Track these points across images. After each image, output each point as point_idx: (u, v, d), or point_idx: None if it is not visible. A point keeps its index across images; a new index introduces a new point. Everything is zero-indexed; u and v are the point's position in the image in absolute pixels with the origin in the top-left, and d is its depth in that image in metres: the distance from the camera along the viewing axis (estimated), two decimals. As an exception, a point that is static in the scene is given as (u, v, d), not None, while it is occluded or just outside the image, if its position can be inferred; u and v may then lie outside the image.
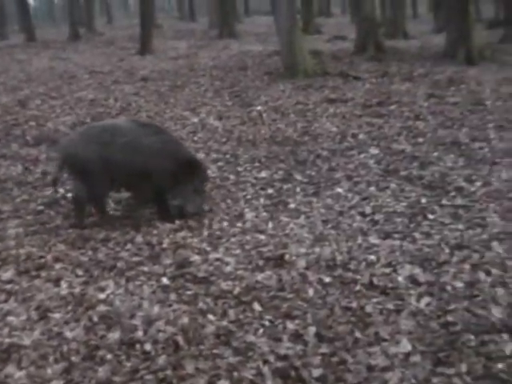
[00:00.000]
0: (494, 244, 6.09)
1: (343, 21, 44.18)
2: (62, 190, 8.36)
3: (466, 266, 5.63)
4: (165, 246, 6.42)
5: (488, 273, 5.52)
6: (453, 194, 7.68)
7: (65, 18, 44.76)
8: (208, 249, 6.25)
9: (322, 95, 14.47)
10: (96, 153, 6.84)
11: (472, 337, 4.51)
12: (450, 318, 4.77)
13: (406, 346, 4.43)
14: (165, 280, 5.64)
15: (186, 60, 22.70)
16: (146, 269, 5.91)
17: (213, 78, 17.90)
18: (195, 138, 10.86)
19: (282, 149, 9.96)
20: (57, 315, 5.14)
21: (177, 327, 4.75)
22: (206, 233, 6.74)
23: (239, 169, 9.04)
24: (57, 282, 5.79)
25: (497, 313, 4.82)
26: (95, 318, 5.00)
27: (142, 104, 14.29)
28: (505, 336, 4.51)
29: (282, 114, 12.68)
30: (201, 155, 9.66)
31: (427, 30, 32.92)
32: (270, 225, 6.83)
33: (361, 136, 10.58)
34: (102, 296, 5.39)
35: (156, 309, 5.08)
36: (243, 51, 24.68)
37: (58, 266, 6.13)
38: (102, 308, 5.16)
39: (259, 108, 13.19)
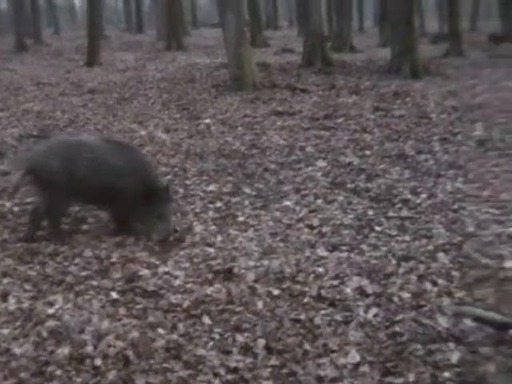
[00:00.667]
0: (440, 255, 6.22)
1: (291, 34, 44.46)
2: (8, 204, 8.27)
3: (413, 277, 5.74)
4: (114, 260, 6.38)
5: (434, 283, 5.63)
6: (399, 205, 7.81)
7: (11, 28, 44.14)
8: (157, 262, 6.24)
9: (270, 108, 14.56)
10: (60, 167, 6.74)
11: (419, 346, 4.59)
12: (397, 329, 4.85)
13: (354, 356, 4.49)
14: (114, 294, 5.61)
15: (134, 72, 22.65)
16: (95, 283, 5.88)
17: (161, 90, 17.90)
18: (143, 151, 10.80)
19: (230, 162, 10.00)
20: (5, 331, 5.08)
21: (126, 341, 4.73)
22: (154, 246, 6.73)
23: (187, 182, 9.04)
24: (4, 297, 5.71)
25: (443, 322, 4.92)
26: (44, 334, 4.94)
27: (89, 116, 14.22)
28: (451, 345, 4.61)
29: (229, 126, 12.73)
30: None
31: (373, 44, 33.29)
32: (219, 238, 6.85)
33: (308, 149, 10.67)
34: (50, 311, 5.33)
35: (105, 323, 5.05)
36: (191, 63, 24.73)
37: (5, 280, 6.05)
38: (51, 323, 5.10)
39: (207, 121, 13.22)
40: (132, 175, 6.82)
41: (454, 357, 4.47)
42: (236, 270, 5.94)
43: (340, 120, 13.06)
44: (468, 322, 4.93)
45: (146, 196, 6.77)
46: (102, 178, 6.77)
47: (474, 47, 30.94)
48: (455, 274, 5.83)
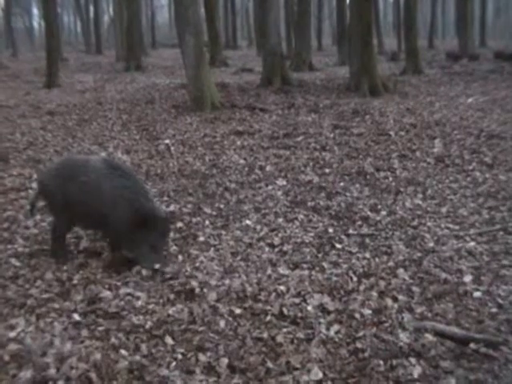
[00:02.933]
0: (400, 271, 6.29)
1: (250, 53, 44.71)
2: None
3: (374, 293, 5.79)
4: (75, 281, 6.33)
5: (395, 299, 5.70)
6: (359, 223, 7.87)
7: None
8: (118, 284, 6.20)
9: (230, 128, 14.60)
10: (59, 187, 6.69)
11: (381, 362, 4.63)
12: (359, 345, 4.89)
13: (317, 373, 4.51)
14: (76, 316, 5.56)
15: (93, 93, 22.54)
16: (56, 305, 5.82)
17: (120, 111, 17.84)
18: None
19: (191, 182, 10.00)
20: (-35, 355, 5.03)
21: (89, 363, 4.70)
22: (116, 268, 6.68)
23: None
24: (-35, 321, 5.67)
25: (404, 337, 4.97)
26: (6, 357, 4.87)
27: (48, 138, 14.10)
28: (412, 360, 4.67)
29: (189, 146, 12.73)
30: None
31: (332, 62, 33.55)
32: (180, 258, 6.83)
33: (268, 168, 10.71)
34: (12, 334, 5.27)
35: (68, 345, 5.00)
36: (150, 84, 24.70)
37: (-35, 304, 6.00)
38: (12, 347, 5.03)
39: (167, 141, 13.21)
40: (122, 202, 6.56)
41: (416, 371, 4.52)
42: (198, 289, 5.92)
43: (299, 139, 13.14)
44: (429, 337, 4.99)
45: (139, 224, 6.47)
46: (93, 203, 6.62)
47: (432, 65, 31.33)
48: (415, 289, 5.90)
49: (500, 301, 5.68)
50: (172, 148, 12.61)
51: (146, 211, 6.53)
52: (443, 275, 6.21)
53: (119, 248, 6.90)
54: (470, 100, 18.81)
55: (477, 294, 5.82)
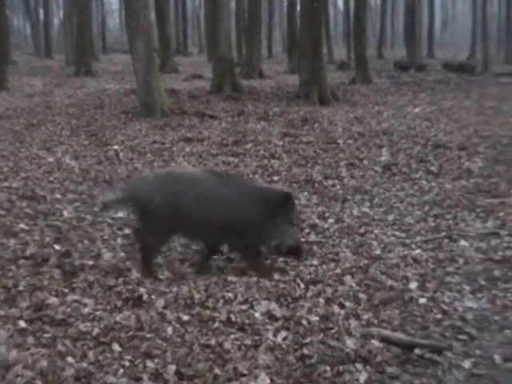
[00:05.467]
0: (347, 278, 6.34)
1: (201, 60, 44.67)
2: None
3: (321, 300, 5.83)
4: (21, 288, 6.23)
5: (342, 306, 5.74)
6: (307, 230, 7.92)
7: None
8: (65, 290, 6.13)
9: (179, 134, 14.59)
10: (165, 201, 6.41)
11: (328, 368, 4.66)
12: (306, 351, 4.91)
13: (264, 380, 4.51)
14: (22, 323, 5.48)
15: (42, 98, 22.33)
16: (2, 312, 5.73)
17: (69, 116, 17.71)
18: (51, 178, 10.63)
19: (140, 188, 9.94)
20: None
21: (35, 371, 4.62)
22: (63, 274, 6.61)
23: (96, 209, 8.94)
24: None
25: (351, 344, 5.01)
26: (-50, 365, 4.83)
27: (-5, 143, 13.95)
28: (359, 366, 4.71)
29: (138, 153, 12.68)
30: (57, 195, 9.53)
31: (282, 70, 33.69)
32: (128, 264, 6.80)
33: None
34: (-44, 342, 5.22)
35: (13, 353, 4.92)
36: (100, 89, 24.58)
37: None
38: (-43, 354, 4.99)
39: (116, 147, 13.14)
40: (247, 201, 6.48)
41: (362, 377, 4.56)
42: (145, 296, 5.89)
43: (249, 146, 13.18)
44: (375, 343, 5.03)
45: (267, 215, 6.46)
46: (215, 213, 6.45)
47: (380, 74, 31.65)
48: (362, 296, 5.96)
49: (444, 307, 5.77)
50: (121, 154, 12.55)
51: (273, 193, 6.72)
52: (389, 282, 6.28)
53: (258, 253, 6.83)
54: (417, 110, 19.07)
55: (422, 301, 5.90)
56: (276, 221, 6.50)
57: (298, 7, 27.38)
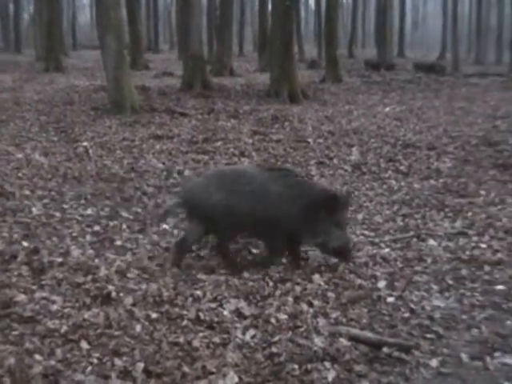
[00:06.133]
0: (316, 277, 6.36)
1: (171, 57, 44.57)
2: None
3: (289, 299, 5.84)
4: (-12, 285, 6.23)
5: (310, 304, 5.76)
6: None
7: None
8: (34, 287, 6.09)
9: (149, 131, 14.55)
10: (222, 201, 6.47)
11: (296, 366, 4.67)
12: (274, 349, 4.91)
13: (232, 378, 4.51)
14: (-11, 320, 5.48)
15: (11, 93, 22.09)
16: (-32, 309, 5.72)
17: (38, 112, 17.56)
18: (20, 175, 10.53)
19: (109, 185, 9.92)
20: None
21: (3, 369, 4.57)
22: (31, 271, 6.57)
23: (65, 206, 8.91)
24: None
25: (319, 342, 5.02)
26: None
27: (-37, 139, 13.82)
28: (327, 364, 4.72)
29: (108, 150, 12.63)
30: (25, 192, 9.46)
31: (253, 68, 33.69)
32: (97, 262, 6.77)
33: (186, 172, 10.73)
34: None
35: (-20, 350, 4.92)
36: (70, 85, 24.40)
37: None
38: None
39: (85, 144, 13.06)
40: (298, 197, 6.51)
41: (330, 375, 4.58)
42: (114, 294, 5.87)
43: (218, 144, 13.17)
44: (343, 341, 5.05)
45: (317, 212, 6.48)
46: (267, 208, 6.48)
47: (351, 73, 31.76)
48: (331, 294, 5.98)
49: (412, 306, 5.81)
50: (90, 151, 12.48)
51: (325, 192, 6.67)
52: (358, 281, 6.31)
53: (293, 248, 6.89)
54: (387, 109, 19.17)
55: (390, 300, 5.94)
56: (321, 220, 6.51)
57: (270, 6, 27.41)
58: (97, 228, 7.98)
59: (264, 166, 7.72)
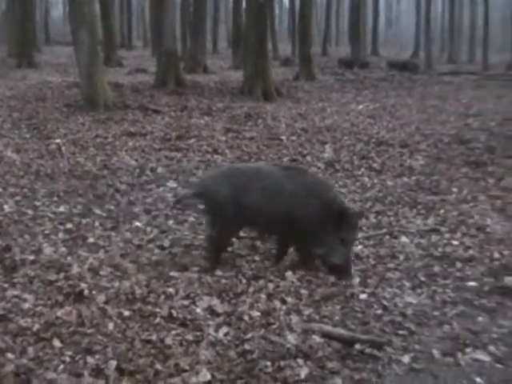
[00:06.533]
0: (289, 274, 6.37)
1: (145, 54, 44.42)
2: None
3: (262, 296, 5.84)
4: (-41, 283, 6.18)
5: (283, 301, 5.77)
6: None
7: None
8: (5, 285, 6.05)
9: (122, 128, 14.50)
10: (234, 197, 6.43)
11: (269, 363, 4.68)
12: (247, 347, 4.92)
13: (205, 375, 4.51)
14: (-40, 319, 5.43)
15: (-17, 90, 21.95)
16: None
17: (10, 109, 17.41)
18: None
19: (81, 183, 9.87)
20: None
21: (-26, 367, 4.59)
22: (3, 269, 6.51)
23: (37, 203, 8.85)
24: None
25: (292, 339, 5.04)
26: None
27: None
28: (300, 361, 4.74)
29: (81, 147, 12.56)
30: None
31: (227, 66, 33.67)
32: (69, 260, 6.74)
33: (159, 170, 10.71)
34: None
35: (-49, 349, 4.88)
36: (42, 82, 24.23)
37: None
38: None
39: (58, 141, 12.99)
40: (312, 199, 6.41)
41: (303, 372, 4.59)
42: (86, 291, 5.84)
43: (191, 141, 13.16)
44: (316, 338, 5.06)
45: (333, 217, 6.34)
46: (277, 207, 6.43)
47: (325, 71, 31.83)
48: (303, 291, 6.00)
49: (385, 303, 5.83)
50: (63, 148, 12.41)
51: (338, 204, 6.47)
52: (331, 278, 6.32)
53: (308, 249, 6.72)
54: (360, 107, 19.25)
55: (363, 297, 5.96)
56: (328, 231, 6.38)
57: (244, 3, 27.42)
58: (69, 225, 7.94)
59: (279, 164, 7.69)
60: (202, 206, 7.22)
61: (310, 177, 6.89)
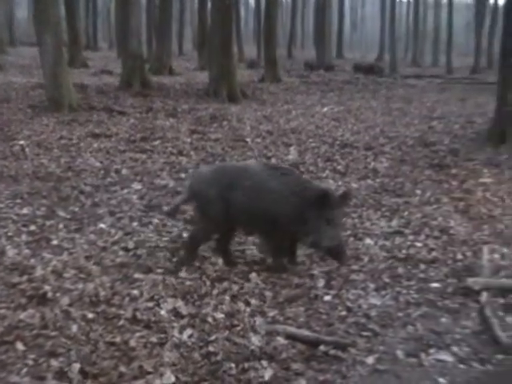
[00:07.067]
0: (253, 275, 6.38)
1: (110, 55, 44.25)
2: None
3: (227, 298, 5.85)
4: None
5: (247, 303, 5.79)
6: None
7: None
8: (-33, 288, 6.03)
9: (87, 130, 14.42)
10: (220, 195, 6.49)
11: (233, 365, 4.69)
12: (211, 349, 4.92)
13: (169, 377, 4.50)
14: None
15: None
16: None
17: (-27, 110, 17.25)
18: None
19: (45, 184, 9.80)
20: None
21: None
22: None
23: (0, 205, 8.78)
24: None
25: (256, 341, 5.05)
26: None
27: None
28: (264, 362, 4.75)
29: (45, 148, 12.46)
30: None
31: (192, 67, 33.64)
32: (33, 262, 6.69)
33: (124, 171, 10.66)
34: None
35: None
36: (7, 83, 23.96)
37: None
38: None
39: (22, 142, 12.86)
40: (291, 195, 6.42)
41: (267, 374, 4.60)
42: (50, 294, 5.81)
43: (156, 142, 13.13)
44: (280, 340, 5.08)
45: (310, 211, 6.33)
46: (260, 205, 6.45)
47: (290, 73, 31.92)
48: (268, 293, 6.02)
49: (349, 304, 5.87)
50: (27, 149, 12.30)
51: (317, 189, 6.47)
52: (295, 280, 6.35)
53: (281, 253, 6.75)
54: (325, 109, 19.32)
55: (327, 298, 5.99)
56: (310, 218, 6.38)
57: (209, 4, 27.40)
58: (33, 227, 7.88)
59: (267, 162, 7.72)
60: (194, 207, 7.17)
61: (296, 176, 6.86)
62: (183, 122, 15.81)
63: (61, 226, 7.98)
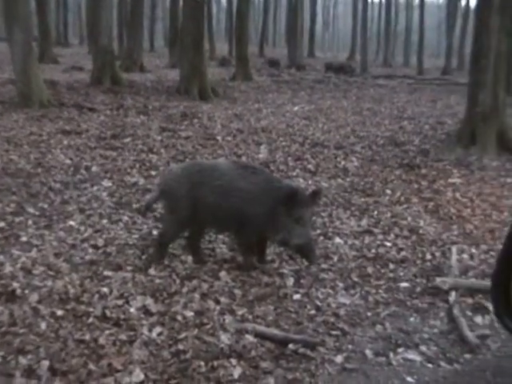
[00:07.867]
0: (223, 274, 6.39)
1: (81, 51, 44.02)
2: None
3: (196, 296, 5.86)
4: None
5: (217, 301, 5.79)
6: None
7: None
8: None
9: (57, 126, 14.33)
10: (189, 193, 6.50)
11: (202, 363, 4.70)
12: (180, 347, 4.93)
13: (139, 375, 4.51)
14: None
15: None
16: None
17: None
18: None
19: (14, 181, 9.72)
20: None
21: None
22: None
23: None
24: None
25: (225, 339, 5.06)
26: None
27: None
28: (233, 361, 4.76)
29: (14, 144, 12.37)
30: None
31: (163, 64, 33.55)
32: (2, 258, 6.64)
33: (94, 168, 10.61)
34: None
35: None
36: (-25, 79, 23.81)
37: None
38: None
39: (-9, 138, 12.79)
40: (260, 193, 6.43)
41: (236, 372, 4.62)
42: (19, 291, 5.78)
43: (127, 140, 13.08)
44: (249, 338, 5.10)
45: (279, 209, 6.32)
46: (229, 204, 6.45)
47: (261, 72, 31.94)
48: (237, 292, 6.03)
49: (318, 303, 5.90)
50: (-4, 145, 12.23)
51: (285, 188, 6.44)
52: (265, 278, 6.36)
53: (251, 251, 6.74)
54: (296, 108, 19.37)
55: (296, 297, 6.01)
56: (279, 216, 6.37)
57: (181, 1, 27.35)
58: (2, 224, 7.82)
59: (238, 161, 7.71)
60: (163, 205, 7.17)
61: (266, 175, 6.86)
62: (154, 120, 15.78)
63: (30, 222, 7.93)
